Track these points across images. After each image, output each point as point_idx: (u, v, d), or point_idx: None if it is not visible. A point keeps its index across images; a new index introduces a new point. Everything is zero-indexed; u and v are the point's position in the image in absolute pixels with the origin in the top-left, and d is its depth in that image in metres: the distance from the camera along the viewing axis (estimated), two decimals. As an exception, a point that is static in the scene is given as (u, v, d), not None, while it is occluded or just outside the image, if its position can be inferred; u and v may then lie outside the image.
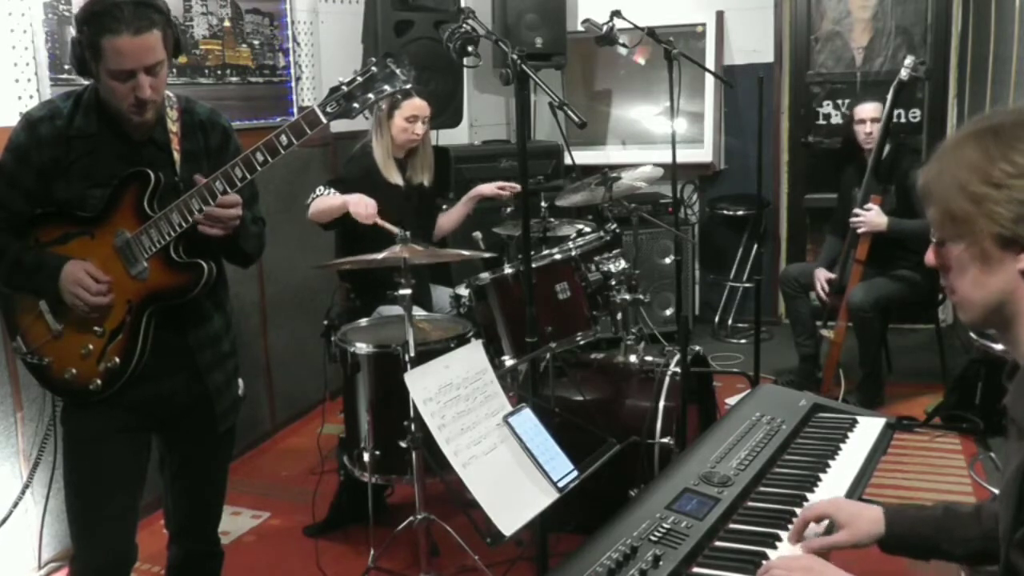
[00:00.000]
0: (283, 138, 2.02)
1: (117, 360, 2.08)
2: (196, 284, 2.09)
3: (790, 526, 1.57)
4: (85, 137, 2.03)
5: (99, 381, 2.08)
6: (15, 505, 2.91)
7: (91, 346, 2.08)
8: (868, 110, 4.18)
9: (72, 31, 1.99)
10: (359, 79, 2.08)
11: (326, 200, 3.22)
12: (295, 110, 4.21)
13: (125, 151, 2.06)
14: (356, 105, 2.08)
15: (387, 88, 2.09)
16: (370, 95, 2.09)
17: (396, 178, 3.41)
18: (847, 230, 4.19)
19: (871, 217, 4.02)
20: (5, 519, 2.89)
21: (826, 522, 1.53)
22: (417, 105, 3.38)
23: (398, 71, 2.09)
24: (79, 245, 2.06)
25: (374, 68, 2.09)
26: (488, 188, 3.66)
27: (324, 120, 2.05)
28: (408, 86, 2.14)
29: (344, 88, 2.08)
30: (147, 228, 2.04)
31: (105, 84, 1.96)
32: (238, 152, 2.17)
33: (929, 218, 1.26)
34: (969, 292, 1.24)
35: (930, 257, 1.29)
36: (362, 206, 3.11)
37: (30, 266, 2.06)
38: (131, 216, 2.05)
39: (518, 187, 3.45)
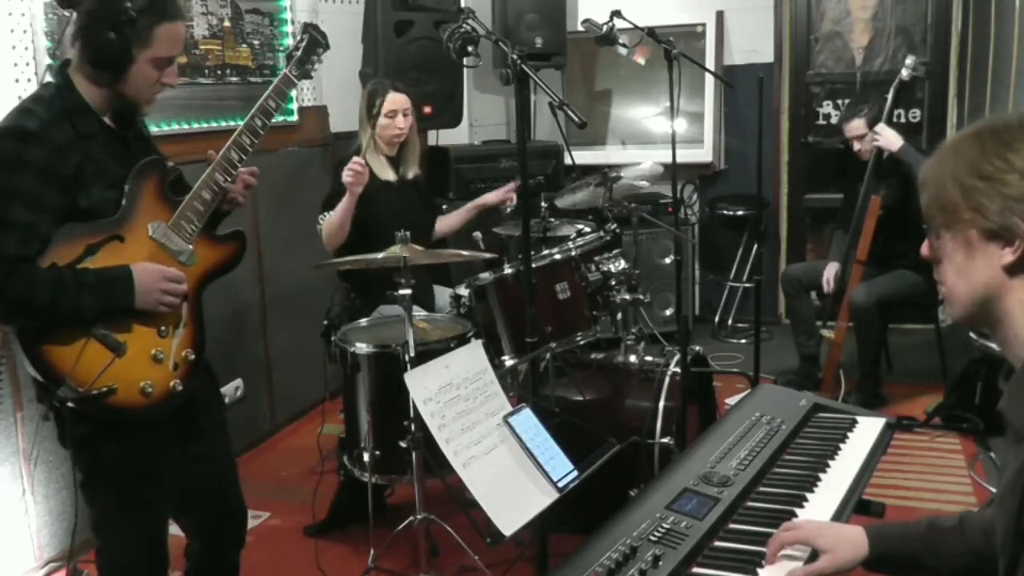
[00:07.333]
0: (271, 103, 2.22)
1: (188, 353, 2.05)
2: (243, 251, 2.16)
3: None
4: (91, 138, 1.94)
5: (178, 381, 2.03)
6: None
7: (160, 349, 2.00)
8: (852, 128, 4.18)
9: (106, 28, 1.86)
10: (303, 45, 2.37)
11: (331, 218, 3.25)
12: (295, 109, 4.21)
13: (118, 149, 2.02)
14: (308, 67, 2.40)
15: (320, 49, 2.41)
16: (314, 56, 2.40)
17: (389, 175, 3.45)
18: (851, 225, 4.20)
19: (887, 134, 4.03)
20: None
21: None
22: (396, 99, 3.41)
23: (317, 35, 2.40)
24: (111, 253, 1.94)
25: (306, 36, 2.39)
26: (493, 197, 3.66)
27: (296, 82, 2.35)
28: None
29: (297, 54, 2.36)
30: (183, 211, 2.04)
31: (141, 72, 1.95)
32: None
33: (923, 208, 1.29)
34: (954, 283, 1.26)
35: (924, 248, 1.32)
36: (349, 174, 3.10)
37: (96, 283, 1.89)
38: (158, 206, 2.03)
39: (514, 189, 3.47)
